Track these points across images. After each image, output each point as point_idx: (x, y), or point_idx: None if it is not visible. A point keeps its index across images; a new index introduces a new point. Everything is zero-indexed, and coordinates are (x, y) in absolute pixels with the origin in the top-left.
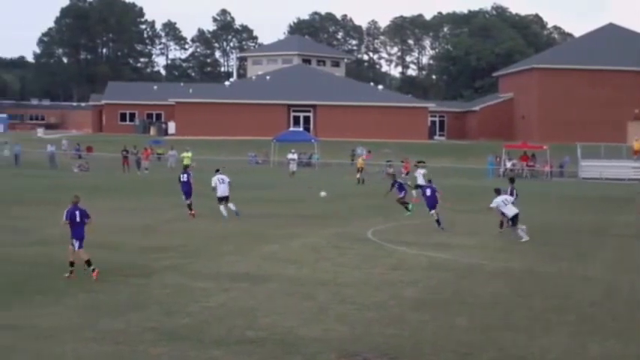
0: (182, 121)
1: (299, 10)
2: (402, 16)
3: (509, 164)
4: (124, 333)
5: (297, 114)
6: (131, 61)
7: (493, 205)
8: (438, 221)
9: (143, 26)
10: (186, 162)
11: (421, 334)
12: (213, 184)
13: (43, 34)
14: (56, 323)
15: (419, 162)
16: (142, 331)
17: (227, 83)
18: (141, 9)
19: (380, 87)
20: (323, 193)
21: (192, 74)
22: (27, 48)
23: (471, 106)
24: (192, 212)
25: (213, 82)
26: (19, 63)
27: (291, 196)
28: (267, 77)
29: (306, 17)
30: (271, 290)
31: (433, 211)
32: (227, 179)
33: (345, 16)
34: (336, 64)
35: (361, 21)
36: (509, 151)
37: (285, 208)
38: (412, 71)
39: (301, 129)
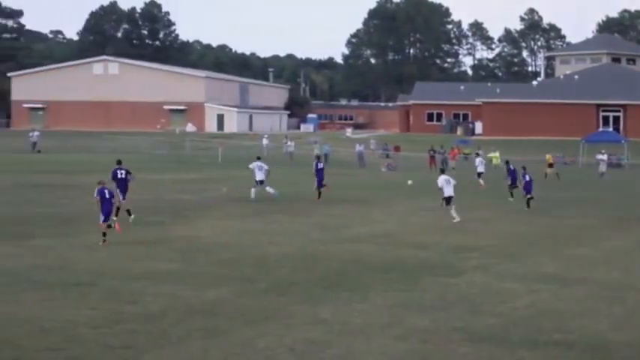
0: (489, 121)
1: (608, 8)
2: None
3: None
4: (430, 332)
5: (606, 114)
6: (438, 62)
7: (439, 183)
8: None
9: (450, 26)
10: (494, 162)
11: None
12: (250, 167)
13: (352, 36)
14: (364, 320)
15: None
16: (449, 330)
17: (534, 83)
18: (447, 9)
19: None
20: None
21: (499, 74)
22: (336, 49)
23: None
24: None
25: (521, 82)
26: (329, 64)
27: (600, 197)
28: (576, 77)
29: (615, 15)
30: (580, 293)
31: (529, 195)
32: (265, 167)
33: None
34: None
35: None
36: None
37: (594, 210)
38: None
39: (611, 129)
